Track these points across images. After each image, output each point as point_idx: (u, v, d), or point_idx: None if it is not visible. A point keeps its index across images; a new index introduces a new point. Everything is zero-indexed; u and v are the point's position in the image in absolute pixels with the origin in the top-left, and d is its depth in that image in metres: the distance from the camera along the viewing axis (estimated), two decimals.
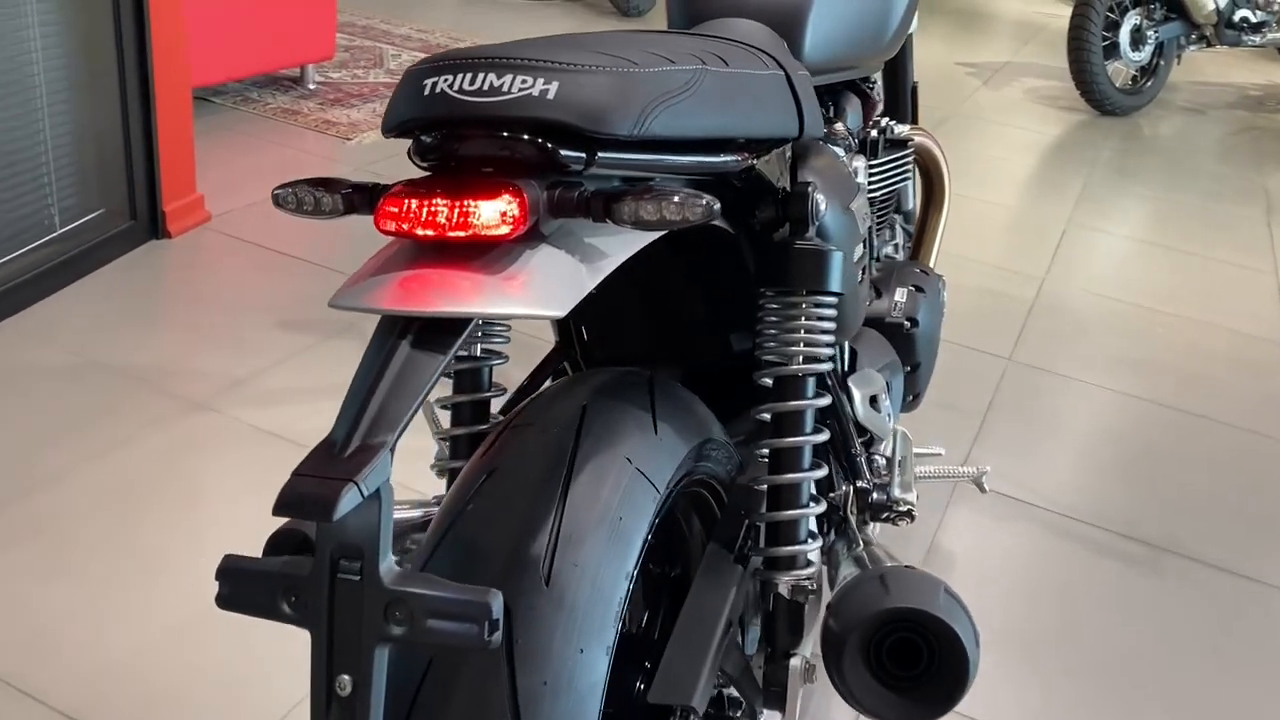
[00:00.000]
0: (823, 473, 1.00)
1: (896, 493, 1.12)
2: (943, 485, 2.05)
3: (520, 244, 0.71)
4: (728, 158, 0.88)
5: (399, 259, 0.71)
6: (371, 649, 0.63)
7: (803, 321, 0.98)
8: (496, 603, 0.61)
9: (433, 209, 0.70)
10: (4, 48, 2.17)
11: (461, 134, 0.74)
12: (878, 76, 1.77)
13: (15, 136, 2.24)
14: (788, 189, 0.98)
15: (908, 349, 1.53)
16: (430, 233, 0.70)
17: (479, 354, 1.08)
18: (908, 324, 1.52)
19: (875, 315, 1.52)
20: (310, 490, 0.60)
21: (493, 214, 0.69)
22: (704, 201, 0.71)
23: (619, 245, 0.76)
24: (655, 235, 0.79)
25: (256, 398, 2.07)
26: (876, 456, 1.32)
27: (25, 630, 1.50)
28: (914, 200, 1.90)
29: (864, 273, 1.24)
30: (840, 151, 1.33)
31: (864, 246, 1.25)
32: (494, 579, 0.77)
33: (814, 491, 1.00)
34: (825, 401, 1.00)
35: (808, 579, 0.98)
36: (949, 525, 1.96)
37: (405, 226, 0.70)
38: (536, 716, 0.70)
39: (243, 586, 0.65)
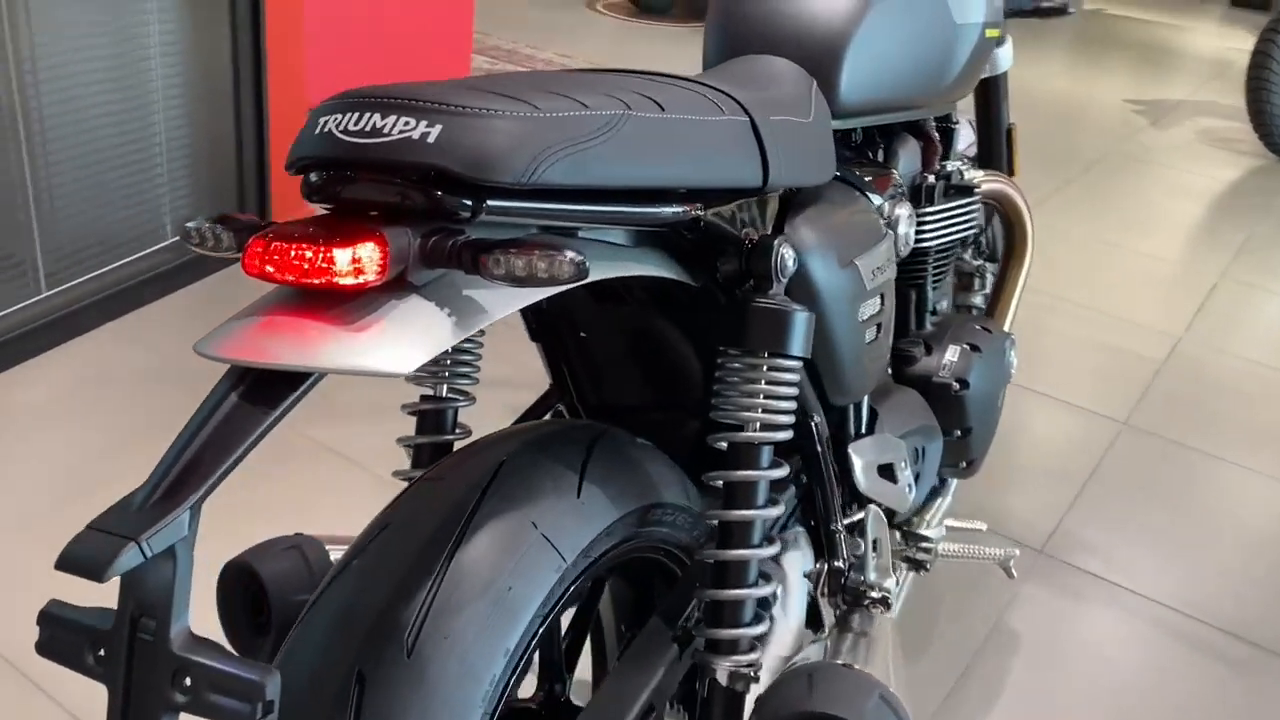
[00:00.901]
0: (773, 550, 0.91)
1: (871, 577, 1.03)
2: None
3: (386, 293, 0.67)
4: (666, 208, 0.82)
5: (266, 304, 0.68)
6: (157, 715, 0.59)
7: (762, 385, 0.91)
8: (272, 683, 0.57)
9: (298, 253, 0.67)
10: (125, 59, 2.29)
11: (345, 176, 0.70)
12: (961, 118, 1.66)
13: (133, 145, 2.36)
14: (753, 241, 0.91)
15: (955, 413, 1.41)
16: (291, 278, 0.67)
17: (444, 395, 1.05)
18: (956, 385, 1.41)
19: (921, 374, 1.42)
20: (91, 545, 0.57)
21: (346, 261, 0.65)
22: (574, 261, 0.65)
23: (501, 300, 0.71)
24: (545, 292, 0.73)
25: (328, 413, 2.10)
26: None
27: None
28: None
29: (879, 330, 1.15)
30: (877, 198, 1.24)
31: (881, 301, 1.15)
32: (356, 645, 0.73)
33: (764, 570, 0.92)
34: (781, 472, 0.92)
35: (748, 665, 0.89)
36: (1022, 601, 1.81)
37: (269, 270, 0.67)
38: None
39: (56, 634, 0.63)
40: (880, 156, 1.38)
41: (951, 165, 1.50)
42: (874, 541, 1.03)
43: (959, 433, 1.43)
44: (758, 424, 0.91)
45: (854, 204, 1.15)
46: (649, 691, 0.87)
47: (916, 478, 1.29)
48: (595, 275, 0.80)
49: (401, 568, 0.76)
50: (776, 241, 0.90)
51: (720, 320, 0.91)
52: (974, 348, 1.45)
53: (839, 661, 0.89)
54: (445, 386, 1.05)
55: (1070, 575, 1.89)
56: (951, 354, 1.43)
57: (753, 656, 0.90)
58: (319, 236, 0.66)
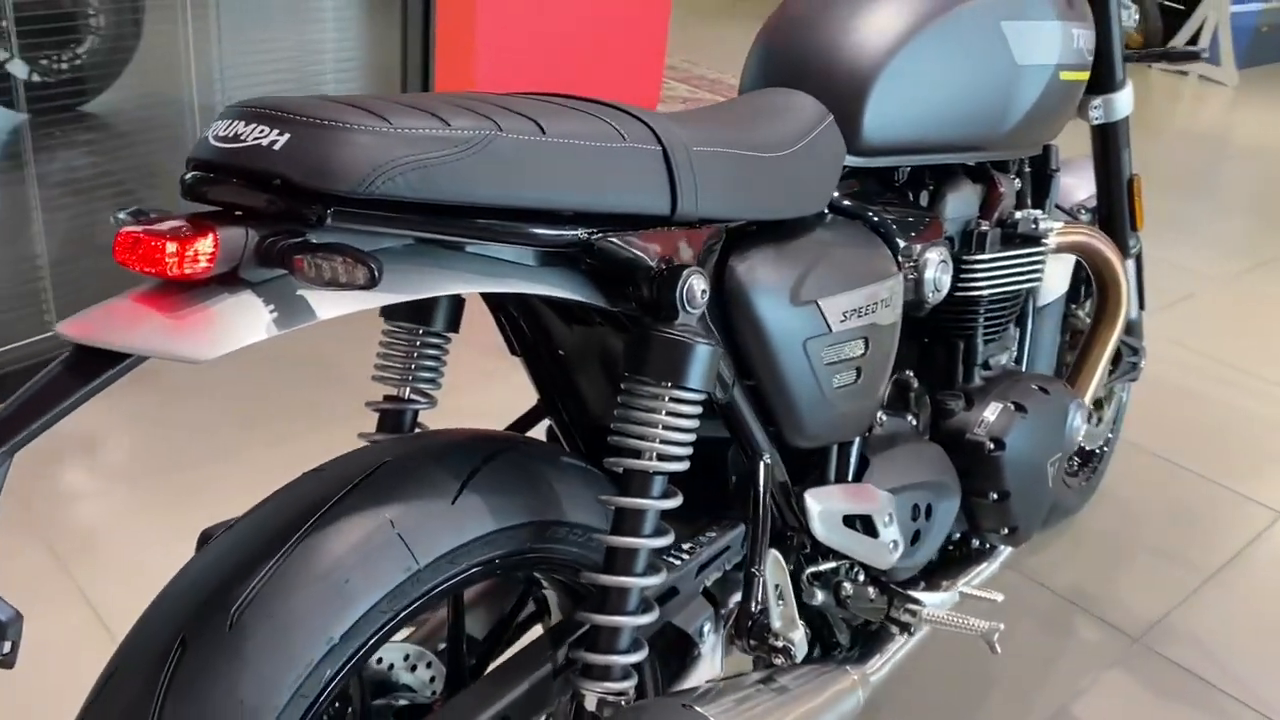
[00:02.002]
0: (657, 579, 0.90)
1: (775, 624, 0.98)
2: (1100, 640, 1.75)
3: (222, 287, 0.73)
4: (547, 229, 0.83)
5: (131, 290, 0.75)
6: None
7: (661, 416, 0.90)
8: (14, 627, 0.63)
9: (153, 244, 0.73)
10: (303, 72, 2.50)
11: (210, 177, 0.76)
12: (1060, 159, 1.56)
13: None
14: (666, 269, 0.90)
15: (987, 474, 1.33)
16: (139, 267, 0.73)
17: (407, 395, 1.09)
18: (990, 445, 1.32)
19: (954, 429, 1.35)
20: None
21: (173, 253, 0.70)
22: (369, 269, 0.68)
23: (329, 303, 0.74)
24: (370, 299, 0.76)
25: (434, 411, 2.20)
26: (845, 584, 1.16)
27: (141, 578, 1.71)
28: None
29: (858, 375, 1.11)
30: (899, 239, 1.19)
31: (866, 345, 1.11)
32: (185, 611, 0.78)
33: (646, 598, 0.90)
34: (673, 503, 0.90)
35: (619, 694, 0.88)
36: (1099, 689, 1.67)
37: (130, 259, 0.74)
38: None
39: None
40: (926, 197, 1.33)
41: (1025, 213, 1.42)
42: (776, 588, 0.99)
43: (994, 496, 1.34)
44: (653, 453, 0.90)
45: (843, 242, 1.12)
46: (505, 703, 0.87)
47: (915, 535, 1.23)
48: (473, 289, 0.83)
49: (251, 547, 0.80)
50: (686, 271, 0.89)
51: (627, 346, 0.91)
52: (1019, 408, 1.35)
53: (690, 705, 0.86)
54: (409, 388, 1.10)
55: (1165, 671, 1.72)
56: (992, 411, 1.35)
57: (624, 685, 0.89)
58: (167, 230, 0.72)
